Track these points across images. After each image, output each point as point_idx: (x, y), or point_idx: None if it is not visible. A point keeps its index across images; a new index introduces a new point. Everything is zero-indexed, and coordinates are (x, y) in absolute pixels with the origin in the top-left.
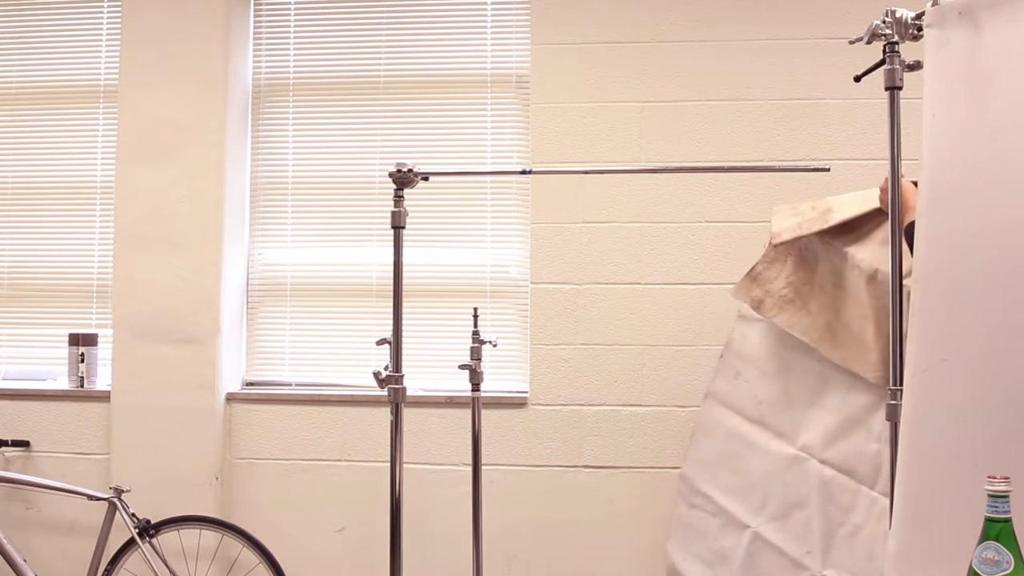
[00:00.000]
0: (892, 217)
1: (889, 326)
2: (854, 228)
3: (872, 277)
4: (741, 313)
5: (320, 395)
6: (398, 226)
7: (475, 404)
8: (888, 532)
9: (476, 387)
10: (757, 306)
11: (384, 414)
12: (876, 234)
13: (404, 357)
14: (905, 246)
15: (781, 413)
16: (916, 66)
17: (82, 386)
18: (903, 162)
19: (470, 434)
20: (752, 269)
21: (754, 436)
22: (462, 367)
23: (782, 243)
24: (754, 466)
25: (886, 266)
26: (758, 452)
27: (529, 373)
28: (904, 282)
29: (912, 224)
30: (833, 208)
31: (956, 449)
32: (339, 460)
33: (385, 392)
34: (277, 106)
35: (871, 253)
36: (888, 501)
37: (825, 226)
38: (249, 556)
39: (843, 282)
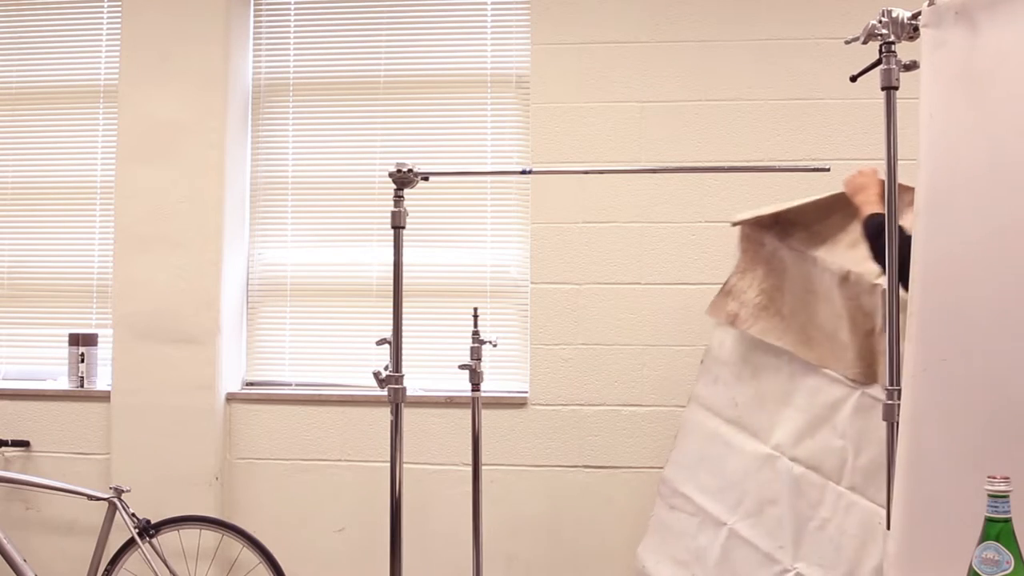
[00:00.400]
0: (889, 217)
1: (863, 324)
2: (818, 232)
3: (844, 279)
4: (718, 320)
5: (320, 395)
6: (398, 226)
7: (475, 404)
8: (887, 532)
9: (476, 387)
10: (733, 320)
11: (384, 414)
12: (842, 237)
13: (404, 357)
14: (867, 243)
15: (756, 414)
16: (912, 66)
17: (82, 386)
18: (900, 162)
19: (470, 434)
20: (725, 283)
21: (732, 437)
22: (462, 367)
23: (740, 223)
24: (731, 466)
25: (858, 268)
26: (735, 452)
27: (529, 373)
28: (877, 281)
29: (871, 216)
30: (791, 206)
31: (956, 449)
32: (339, 460)
33: (385, 392)
34: (277, 106)
35: (840, 256)
36: (854, 496)
37: (780, 209)
38: (249, 556)
39: (814, 286)
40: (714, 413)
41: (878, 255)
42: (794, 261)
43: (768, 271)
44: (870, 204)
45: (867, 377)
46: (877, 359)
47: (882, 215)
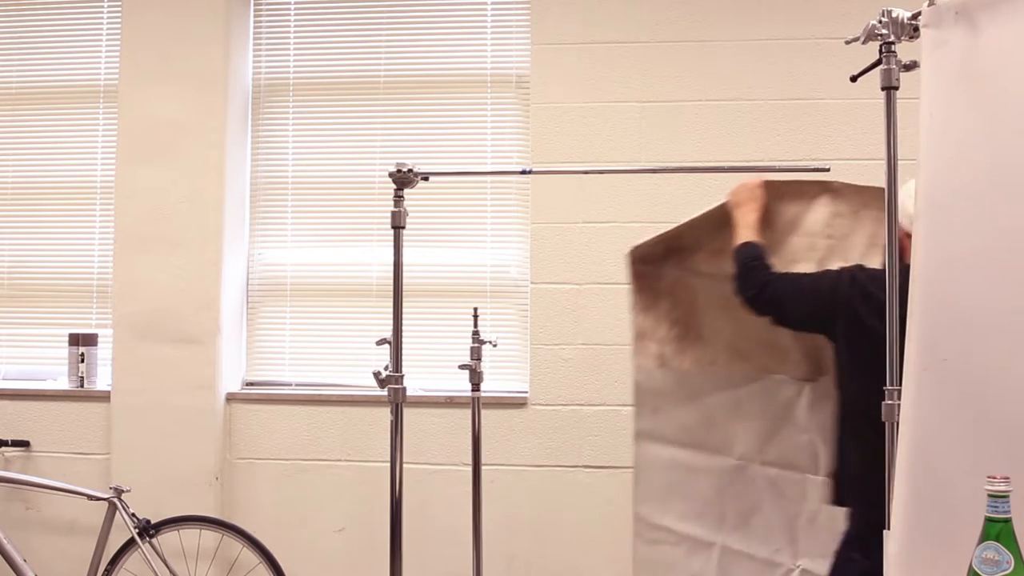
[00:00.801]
0: (889, 218)
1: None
2: (720, 251)
3: None
4: (648, 368)
5: (320, 395)
6: (398, 226)
7: (475, 404)
8: (888, 532)
9: (476, 387)
10: (662, 362)
11: (384, 414)
12: None
13: (404, 357)
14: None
15: (710, 432)
16: (913, 66)
17: (82, 386)
18: (900, 162)
19: (470, 434)
20: (635, 331)
21: (692, 459)
22: (462, 367)
23: (634, 249)
24: (702, 486)
25: None
26: (701, 473)
27: (529, 373)
28: None
29: (743, 246)
30: (679, 227)
31: (956, 449)
32: (339, 460)
33: (385, 392)
34: (277, 106)
35: None
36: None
37: (669, 231)
38: (249, 556)
39: (736, 303)
40: (666, 442)
41: (741, 288)
42: (705, 285)
43: (674, 302)
44: (745, 228)
45: (815, 374)
46: (823, 354)
47: (754, 245)
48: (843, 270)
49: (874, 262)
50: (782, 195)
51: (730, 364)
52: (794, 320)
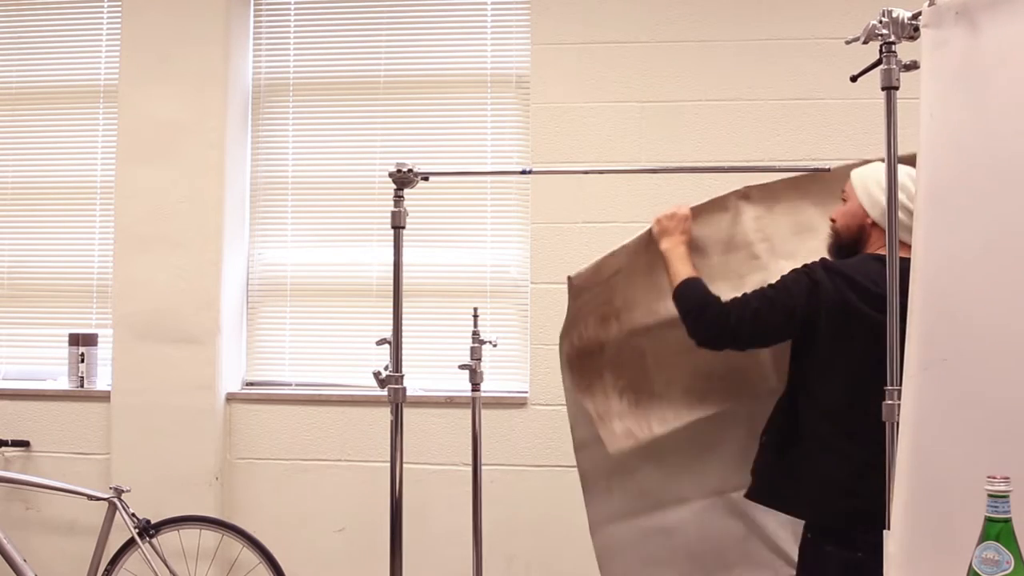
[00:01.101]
0: (889, 218)
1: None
2: (663, 292)
3: None
4: (576, 445)
5: (320, 395)
6: (398, 226)
7: (475, 404)
8: (888, 532)
9: (476, 387)
10: (635, 441)
11: (384, 414)
12: None
13: (404, 357)
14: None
15: (672, 484)
16: (913, 66)
17: (82, 386)
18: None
19: (470, 434)
20: (590, 415)
21: (661, 520)
22: (462, 367)
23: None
24: (679, 542)
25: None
26: (675, 529)
27: (529, 373)
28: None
29: (688, 281)
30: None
31: (956, 449)
32: (339, 460)
33: (385, 392)
34: (277, 106)
35: None
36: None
37: (623, 244)
38: (249, 556)
39: (687, 345)
40: (626, 518)
41: (700, 329)
42: (654, 339)
43: (618, 371)
44: (680, 263)
45: (778, 384)
46: (786, 352)
47: (697, 281)
48: (812, 265)
49: (806, 247)
50: (704, 217)
51: (691, 413)
52: (772, 329)
